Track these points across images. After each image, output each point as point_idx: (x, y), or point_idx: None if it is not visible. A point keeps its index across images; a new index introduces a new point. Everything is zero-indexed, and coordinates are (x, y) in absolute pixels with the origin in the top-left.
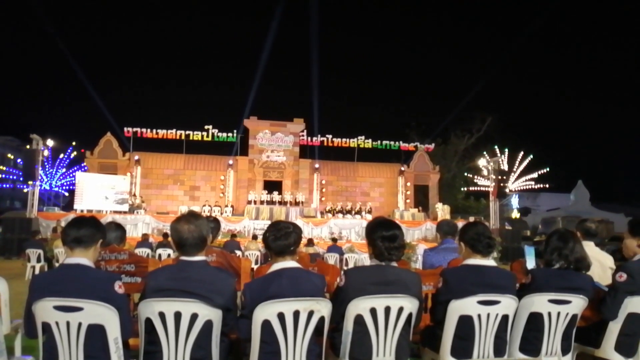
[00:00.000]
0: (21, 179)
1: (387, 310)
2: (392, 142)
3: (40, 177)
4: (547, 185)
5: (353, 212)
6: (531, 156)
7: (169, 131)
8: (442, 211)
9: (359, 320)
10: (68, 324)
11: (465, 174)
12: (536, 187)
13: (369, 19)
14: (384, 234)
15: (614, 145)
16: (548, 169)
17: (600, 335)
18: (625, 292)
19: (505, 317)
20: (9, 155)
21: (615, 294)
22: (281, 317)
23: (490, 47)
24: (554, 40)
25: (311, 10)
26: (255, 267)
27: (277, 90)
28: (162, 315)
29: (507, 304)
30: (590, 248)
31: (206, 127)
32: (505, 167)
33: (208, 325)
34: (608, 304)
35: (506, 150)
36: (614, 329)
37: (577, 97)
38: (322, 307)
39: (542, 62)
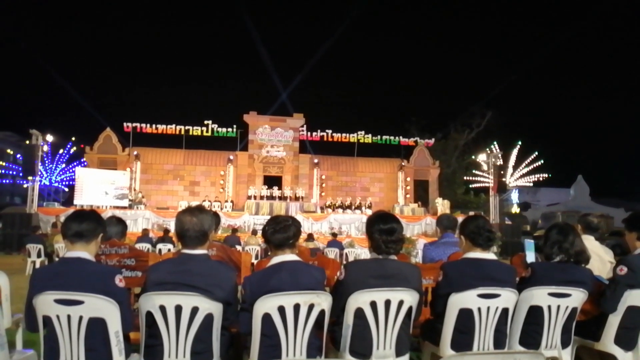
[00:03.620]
0: (21, 174)
1: (388, 303)
2: (392, 137)
3: (40, 173)
4: (546, 175)
5: (353, 207)
6: (534, 153)
7: (169, 126)
8: (442, 206)
9: (359, 313)
10: (69, 317)
11: (466, 169)
12: (537, 177)
13: (367, 14)
14: (381, 227)
15: (614, 140)
16: (542, 162)
17: (599, 329)
18: (625, 285)
19: (505, 311)
20: (9, 150)
21: (615, 288)
22: (282, 310)
23: (489, 42)
24: (554, 36)
25: (311, 4)
26: (255, 261)
27: (277, 85)
28: (162, 309)
29: (507, 297)
30: (590, 242)
31: (206, 122)
32: (507, 161)
33: (209, 318)
34: (608, 297)
35: (515, 143)
36: (613, 322)
37: (577, 92)
38: (323, 301)
39: (542, 58)
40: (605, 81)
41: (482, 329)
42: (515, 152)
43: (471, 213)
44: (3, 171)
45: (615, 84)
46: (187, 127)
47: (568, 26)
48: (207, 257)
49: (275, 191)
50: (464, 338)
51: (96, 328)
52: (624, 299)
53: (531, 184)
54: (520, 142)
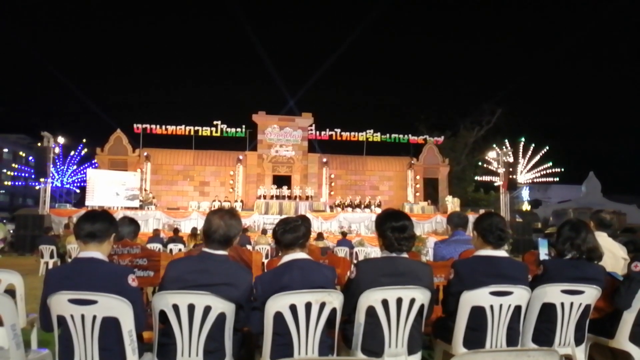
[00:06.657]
0: (33, 176)
1: (399, 301)
2: (401, 136)
3: (51, 174)
4: (559, 170)
5: (362, 206)
6: (545, 148)
7: (178, 127)
8: (452, 204)
9: (370, 312)
10: (83, 317)
11: (476, 165)
12: (549, 171)
13: (375, 13)
14: (393, 225)
15: (626, 136)
16: (550, 158)
17: (614, 326)
18: None
19: (517, 308)
20: (21, 153)
21: (630, 284)
22: (293, 309)
23: (498, 38)
24: (565, 31)
25: (319, 4)
26: (265, 261)
27: (286, 85)
28: (175, 308)
29: (519, 294)
30: (603, 239)
31: (215, 122)
32: (518, 159)
33: (221, 318)
34: (622, 294)
35: (519, 141)
36: (628, 319)
37: (588, 88)
38: (334, 299)
39: (552, 54)
40: (617, 76)
41: (494, 326)
42: (523, 148)
43: (482, 211)
44: (16, 173)
45: (627, 80)
46: (196, 128)
47: (579, 22)
48: (226, 258)
49: (285, 191)
50: (476, 336)
51: (110, 327)
52: (638, 296)
53: (546, 179)
54: (523, 139)
